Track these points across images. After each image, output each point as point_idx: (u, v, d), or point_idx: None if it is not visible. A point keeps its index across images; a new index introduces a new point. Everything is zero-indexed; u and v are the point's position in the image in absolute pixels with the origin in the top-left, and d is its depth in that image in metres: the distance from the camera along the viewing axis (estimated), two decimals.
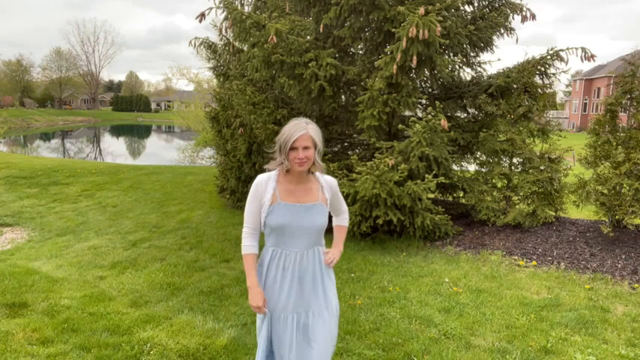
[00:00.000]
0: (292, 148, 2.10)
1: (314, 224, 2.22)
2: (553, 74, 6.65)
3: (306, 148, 2.10)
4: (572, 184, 5.94)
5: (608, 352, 3.35)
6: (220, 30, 7.45)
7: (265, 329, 2.27)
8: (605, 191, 5.59)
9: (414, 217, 5.76)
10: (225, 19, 6.44)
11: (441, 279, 4.74)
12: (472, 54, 7.07)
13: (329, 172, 6.00)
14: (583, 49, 6.47)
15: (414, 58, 5.42)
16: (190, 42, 8.47)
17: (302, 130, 2.09)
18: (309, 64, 6.06)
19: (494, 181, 6.51)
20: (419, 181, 5.59)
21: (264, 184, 2.20)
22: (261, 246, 2.31)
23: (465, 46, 6.65)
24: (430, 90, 7.37)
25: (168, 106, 59.86)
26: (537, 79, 6.60)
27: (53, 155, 25.92)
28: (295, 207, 2.20)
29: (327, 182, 2.33)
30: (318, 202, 2.25)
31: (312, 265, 2.26)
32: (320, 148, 2.16)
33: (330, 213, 2.36)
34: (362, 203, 5.60)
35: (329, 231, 2.34)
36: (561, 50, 6.53)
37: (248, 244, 2.25)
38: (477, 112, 7.06)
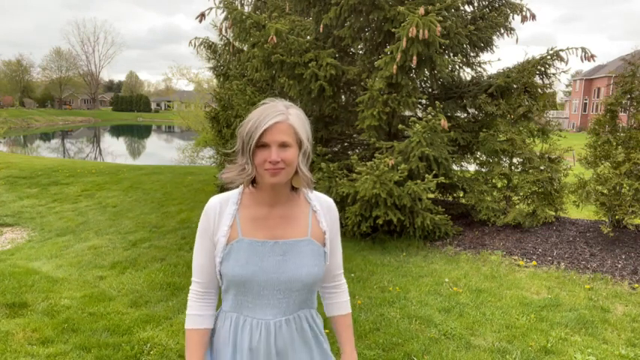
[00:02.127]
0: (261, 146, 1.28)
1: (298, 276, 1.37)
2: (553, 74, 6.65)
3: (283, 145, 1.28)
4: (572, 184, 5.94)
5: (608, 352, 3.35)
6: (220, 30, 7.45)
7: None
8: (605, 191, 5.59)
9: (414, 217, 5.75)
10: (225, 19, 6.44)
11: (441, 279, 4.74)
12: (472, 54, 7.07)
13: (329, 173, 6.00)
14: (583, 49, 6.47)
15: (414, 58, 5.42)
16: (190, 42, 8.48)
17: (278, 115, 1.29)
18: (309, 64, 6.07)
19: (494, 181, 6.51)
20: (419, 181, 5.59)
21: (218, 211, 1.39)
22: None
23: (465, 46, 6.66)
24: (430, 90, 7.37)
25: (168, 106, 59.86)
26: (537, 79, 6.60)
27: (53, 155, 25.92)
28: (266, 246, 1.36)
29: (324, 205, 1.46)
30: (306, 237, 1.40)
31: (297, 343, 1.41)
32: (307, 147, 1.35)
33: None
34: (362, 203, 5.60)
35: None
36: (561, 50, 6.53)
37: (193, 314, 1.42)
38: (477, 112, 7.06)
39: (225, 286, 1.40)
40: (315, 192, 1.47)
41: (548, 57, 6.55)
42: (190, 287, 1.44)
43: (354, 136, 7.37)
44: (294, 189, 1.41)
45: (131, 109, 77.07)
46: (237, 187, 1.40)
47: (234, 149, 1.36)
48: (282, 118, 1.30)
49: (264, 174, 1.30)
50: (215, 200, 1.42)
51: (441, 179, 5.88)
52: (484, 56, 11.00)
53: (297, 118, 1.33)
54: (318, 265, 1.41)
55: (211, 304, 1.44)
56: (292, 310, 1.41)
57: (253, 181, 1.37)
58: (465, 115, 7.30)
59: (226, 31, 6.87)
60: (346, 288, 1.59)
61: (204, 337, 1.43)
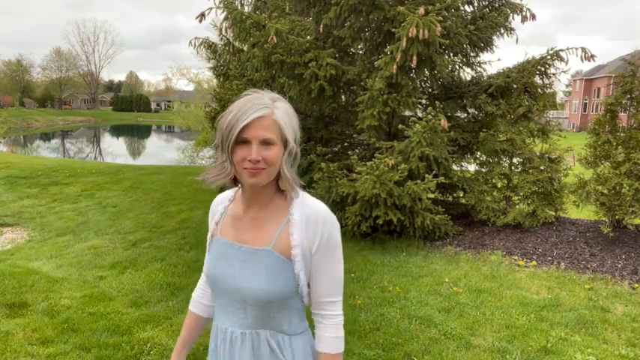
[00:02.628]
0: (241, 142, 1.17)
1: (249, 289, 1.24)
2: (553, 74, 6.65)
3: (266, 142, 1.17)
4: (572, 184, 5.95)
5: (608, 352, 3.35)
6: (220, 30, 7.46)
7: None
8: (605, 191, 5.59)
9: (414, 217, 5.75)
10: (225, 19, 6.44)
11: (441, 279, 4.74)
12: (472, 54, 7.08)
13: (329, 173, 6.00)
14: (583, 49, 6.47)
15: (414, 58, 5.42)
16: (190, 42, 8.48)
17: (261, 109, 1.17)
18: (309, 64, 6.07)
19: (494, 181, 6.51)
20: (419, 181, 5.59)
21: (215, 208, 1.43)
22: None
23: (465, 46, 6.66)
24: (430, 90, 7.37)
25: (168, 106, 59.90)
26: (537, 79, 6.60)
27: (53, 155, 25.92)
28: (232, 248, 1.30)
29: (308, 217, 1.24)
30: (267, 247, 1.24)
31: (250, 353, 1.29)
32: (293, 147, 1.22)
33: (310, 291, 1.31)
34: (362, 203, 5.60)
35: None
36: (561, 50, 6.53)
37: (193, 296, 1.53)
38: (477, 112, 7.06)
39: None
40: (310, 199, 1.28)
41: (548, 57, 6.55)
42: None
43: (354, 136, 7.37)
44: (281, 191, 1.27)
45: (131, 109, 77.06)
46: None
47: (214, 143, 1.24)
48: (266, 112, 1.17)
49: (243, 173, 1.19)
50: (217, 197, 1.45)
51: (441, 179, 5.88)
52: (484, 56, 11.00)
53: (283, 113, 1.21)
54: (274, 281, 1.22)
55: (207, 295, 1.50)
56: (250, 325, 1.28)
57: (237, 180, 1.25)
58: (465, 115, 7.30)
59: (226, 31, 6.87)
60: (337, 322, 1.29)
61: (195, 320, 1.52)
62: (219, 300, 1.34)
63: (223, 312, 1.33)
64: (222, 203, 1.40)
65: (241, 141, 1.17)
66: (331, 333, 1.29)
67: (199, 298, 1.52)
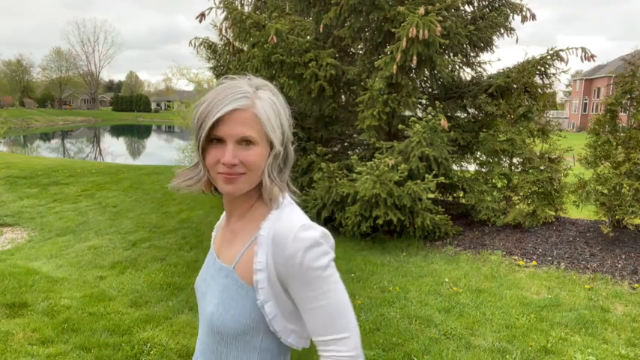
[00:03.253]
0: (214, 140, 0.96)
1: (204, 311, 1.08)
2: (553, 74, 6.65)
3: (245, 141, 0.95)
4: (572, 184, 5.94)
5: (608, 352, 3.35)
6: (220, 30, 7.45)
7: None
8: (605, 191, 5.59)
9: (414, 217, 5.75)
10: (225, 19, 6.44)
11: (441, 279, 4.74)
12: (472, 54, 7.07)
13: (329, 173, 6.00)
14: (583, 49, 6.47)
15: (414, 58, 5.42)
16: (190, 42, 8.47)
17: (240, 99, 0.94)
18: (309, 64, 6.07)
19: (494, 181, 6.50)
20: (419, 181, 5.59)
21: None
22: None
23: (465, 46, 6.66)
24: (430, 90, 7.37)
25: (168, 106, 59.85)
26: (537, 79, 6.60)
27: (53, 155, 25.93)
28: (211, 260, 1.14)
29: (276, 236, 0.97)
30: (229, 266, 1.04)
31: None
32: (279, 149, 0.99)
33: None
34: (362, 203, 5.60)
35: None
36: (561, 50, 6.53)
37: None
38: (477, 112, 7.06)
39: None
40: (289, 213, 1.00)
41: (548, 57, 6.55)
42: None
43: (354, 136, 7.37)
44: (261, 199, 1.02)
45: (131, 109, 77.06)
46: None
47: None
48: (244, 103, 0.93)
49: (217, 179, 0.97)
50: None
51: (441, 179, 5.88)
52: (484, 56, 10.99)
53: (268, 104, 0.96)
54: (227, 309, 0.99)
55: None
56: (210, 354, 1.06)
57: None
58: (465, 115, 7.30)
59: (226, 31, 6.87)
60: (346, 354, 0.96)
61: None
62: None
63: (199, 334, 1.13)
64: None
65: (214, 139, 0.95)
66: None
67: None
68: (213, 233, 1.23)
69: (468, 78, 7.32)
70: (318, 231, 0.97)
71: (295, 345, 1.03)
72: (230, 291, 1.00)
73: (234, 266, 1.02)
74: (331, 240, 1.00)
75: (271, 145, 0.97)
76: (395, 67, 5.55)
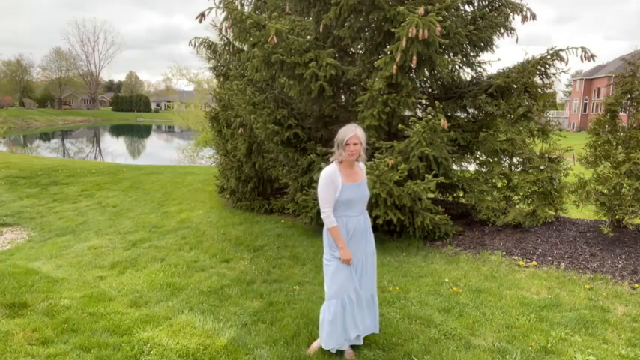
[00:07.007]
0: (347, 144, 3.06)
1: (365, 195, 3.24)
2: (553, 74, 6.64)
3: (355, 144, 3.08)
4: (572, 184, 5.94)
5: (608, 352, 3.35)
6: (220, 30, 7.44)
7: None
8: (605, 191, 5.59)
9: (414, 217, 5.75)
10: (225, 19, 6.44)
11: (441, 279, 4.74)
12: (472, 54, 7.06)
13: None
14: (583, 49, 6.46)
15: (414, 58, 5.41)
16: (190, 42, 8.47)
17: (352, 132, 3.08)
18: (309, 64, 6.07)
19: (494, 181, 6.50)
20: (419, 181, 5.59)
21: (334, 174, 3.09)
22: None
23: (464, 46, 6.65)
24: (430, 90, 7.36)
25: (168, 106, 59.80)
26: (537, 79, 6.59)
27: (53, 155, 25.93)
28: (354, 185, 3.15)
29: (362, 168, 3.33)
30: (363, 179, 3.25)
31: (365, 224, 3.27)
32: (365, 146, 3.22)
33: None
34: None
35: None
36: (561, 50, 6.52)
37: (334, 219, 3.11)
38: (476, 112, 7.05)
39: (339, 205, 3.13)
40: (359, 163, 3.32)
41: (548, 57, 6.55)
42: (323, 211, 3.10)
43: None
44: (356, 161, 3.24)
45: (131, 109, 77.10)
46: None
47: (332, 150, 3.19)
48: (354, 133, 3.10)
49: (348, 155, 3.11)
50: (329, 169, 3.13)
51: (441, 179, 5.88)
52: (484, 56, 10.93)
53: (360, 132, 3.13)
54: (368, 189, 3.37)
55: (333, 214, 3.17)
56: (363, 211, 3.33)
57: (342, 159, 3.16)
58: (465, 115, 7.30)
59: (226, 31, 6.86)
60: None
61: (339, 228, 3.17)
62: (350, 207, 3.19)
63: (351, 210, 3.19)
64: (335, 171, 3.11)
65: (347, 144, 3.09)
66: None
67: (334, 217, 3.14)
68: (339, 180, 3.14)
69: (468, 78, 7.31)
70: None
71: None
72: (366, 183, 3.37)
73: (363, 179, 3.29)
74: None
75: (361, 144, 3.16)
76: (395, 67, 5.55)
